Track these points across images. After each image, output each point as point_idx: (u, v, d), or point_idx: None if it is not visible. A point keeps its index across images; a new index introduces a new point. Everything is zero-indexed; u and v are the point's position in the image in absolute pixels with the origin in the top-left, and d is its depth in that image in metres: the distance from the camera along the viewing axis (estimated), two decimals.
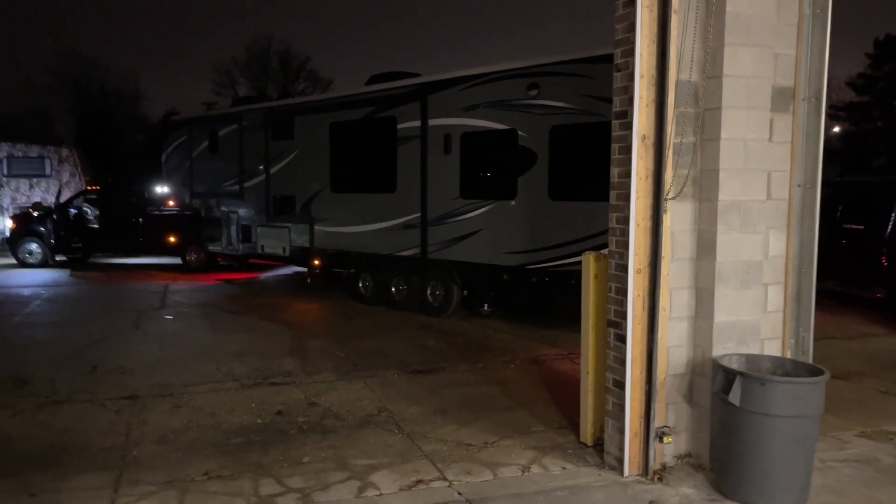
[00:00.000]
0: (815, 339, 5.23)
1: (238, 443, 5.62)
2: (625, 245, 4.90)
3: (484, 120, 9.96)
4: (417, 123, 10.85)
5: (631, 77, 4.78)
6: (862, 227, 10.10)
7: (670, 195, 4.81)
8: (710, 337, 4.88)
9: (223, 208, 15.15)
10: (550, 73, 9.15)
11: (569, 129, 8.98)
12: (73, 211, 17.72)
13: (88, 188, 19.37)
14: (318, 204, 12.69)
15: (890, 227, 9.84)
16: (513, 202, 9.65)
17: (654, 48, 4.71)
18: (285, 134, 13.39)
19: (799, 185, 5.10)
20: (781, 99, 4.93)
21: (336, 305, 12.09)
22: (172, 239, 16.80)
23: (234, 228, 14.87)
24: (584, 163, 8.95)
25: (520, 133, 9.50)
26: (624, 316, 4.92)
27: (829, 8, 4.90)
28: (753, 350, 4.95)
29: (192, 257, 16.79)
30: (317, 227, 12.77)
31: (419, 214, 10.89)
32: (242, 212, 14.62)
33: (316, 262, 13.02)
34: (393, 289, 11.64)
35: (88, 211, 18.09)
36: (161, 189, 18.26)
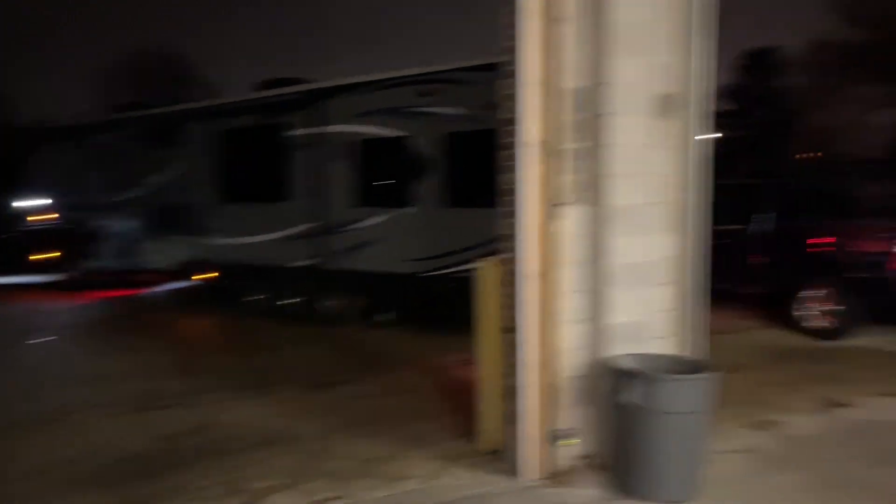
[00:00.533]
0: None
1: (121, 473, 5.24)
2: (519, 251, 4.92)
3: (381, 127, 9.86)
4: (312, 130, 10.61)
5: (519, 84, 4.82)
6: (740, 226, 10.69)
7: (562, 200, 4.87)
8: (607, 338, 4.97)
9: (103, 221, 14.27)
10: (445, 81, 9.17)
11: (464, 137, 9.03)
12: None
13: None
14: (209, 215, 12.18)
15: (765, 225, 10.47)
16: (411, 210, 9.59)
17: (541, 55, 4.77)
18: (172, 141, 12.78)
19: (688, 188, 5.30)
20: (668, 105, 5.10)
21: (229, 320, 11.62)
22: (46, 255, 15.67)
23: (115, 242, 14.03)
24: (481, 170, 8.94)
25: (416, 140, 9.47)
26: (520, 322, 4.93)
27: (712, 16, 5.12)
28: (649, 349, 5.09)
29: (69, 275, 15.70)
30: (207, 239, 12.25)
31: (316, 224, 10.64)
32: (125, 224, 13.81)
33: (206, 276, 12.47)
34: (289, 301, 11.31)
35: None
36: (31, 202, 17.00)
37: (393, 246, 9.81)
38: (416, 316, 11.16)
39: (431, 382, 7.65)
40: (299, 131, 10.80)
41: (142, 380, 7.86)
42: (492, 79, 8.97)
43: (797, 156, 38.10)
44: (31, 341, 10.22)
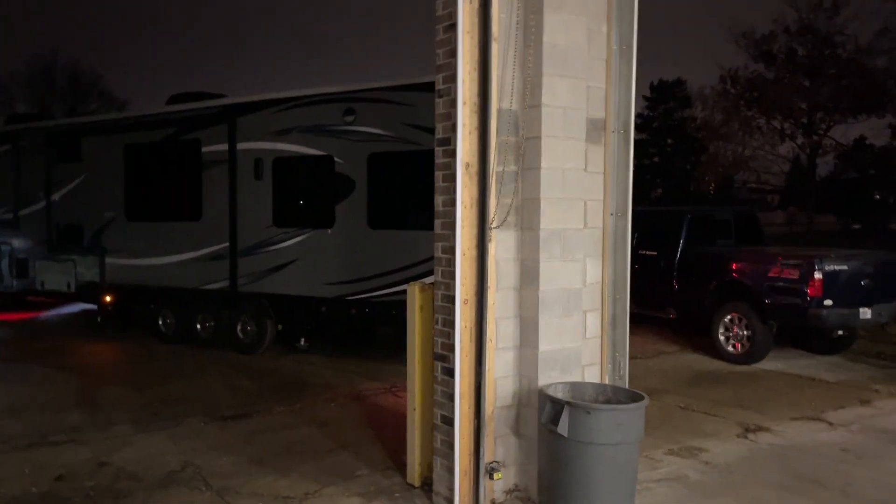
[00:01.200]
0: None
1: None
2: (451, 275, 4.75)
3: (298, 145, 9.52)
4: (225, 147, 10.15)
5: (453, 104, 4.68)
6: (655, 252, 10.92)
7: (494, 224, 4.74)
8: (536, 366, 4.84)
9: None
10: (368, 100, 8.95)
11: (387, 157, 8.82)
12: None
13: None
14: (111, 233, 11.44)
15: (678, 252, 10.72)
16: (330, 231, 9.27)
17: (475, 75, 4.64)
18: (72, 156, 11.98)
19: (612, 214, 5.27)
20: (594, 130, 5.08)
21: (133, 346, 10.89)
22: None
23: (6, 262, 12.97)
24: (404, 191, 8.83)
25: (336, 160, 9.18)
26: (452, 349, 4.74)
27: (633, 44, 5.14)
28: (576, 377, 4.99)
29: None
30: (109, 260, 11.49)
31: (228, 244, 10.15)
32: (18, 243, 12.81)
33: (108, 299, 11.69)
34: (199, 325, 10.72)
35: None
36: None
37: (311, 268, 9.44)
38: (335, 341, 10.79)
39: (352, 411, 7.33)
40: (212, 147, 10.31)
41: (33, 412, 7.20)
42: (416, 100, 8.90)
43: (708, 183, 39.98)
44: None
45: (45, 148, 12.36)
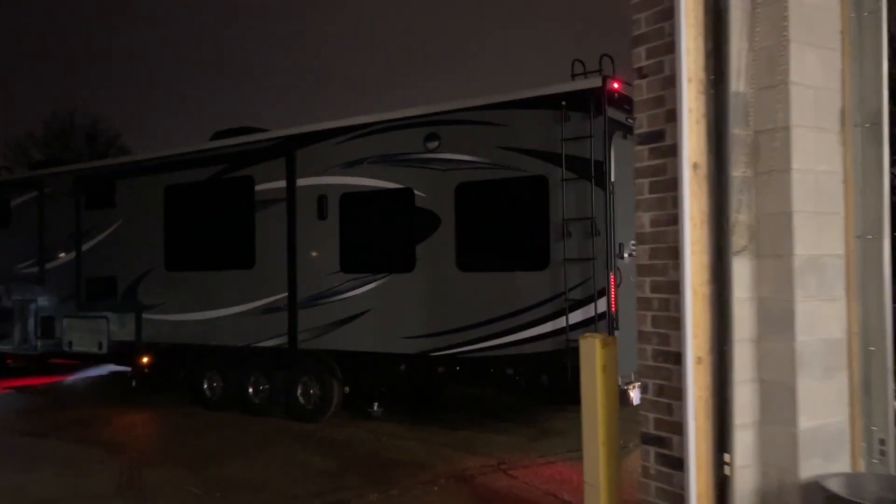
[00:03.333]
0: None
1: None
2: (670, 323, 3.37)
3: (370, 178, 8.27)
4: (282, 184, 8.91)
5: (667, 83, 3.38)
6: None
7: (736, 248, 3.37)
8: (793, 450, 3.39)
9: (16, 296, 11.95)
10: (454, 122, 7.72)
11: (479, 187, 7.53)
12: None
13: None
14: (149, 286, 10.16)
15: None
16: (410, 275, 7.93)
17: (701, 42, 3.34)
18: (104, 201, 10.79)
19: (858, 237, 3.89)
20: (850, 120, 3.74)
21: (174, 415, 9.48)
22: None
23: (31, 321, 11.71)
24: (501, 226, 7.52)
25: (417, 193, 7.90)
26: (676, 428, 3.33)
27: (883, 9, 3.84)
28: (842, 464, 3.54)
29: None
30: (146, 316, 10.17)
31: (286, 294, 8.82)
32: (43, 299, 11.56)
33: (144, 360, 10.34)
34: (251, 389, 9.30)
35: None
36: None
37: (387, 320, 8.07)
38: (416, 406, 9.32)
39: (462, 499, 5.85)
40: (267, 185, 9.08)
41: None
42: (512, 119, 7.66)
43: None
44: None
45: (74, 193, 11.19)
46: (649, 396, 3.52)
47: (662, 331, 3.45)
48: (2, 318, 12.22)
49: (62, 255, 11.29)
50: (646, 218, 3.55)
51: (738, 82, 3.47)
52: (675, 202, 3.35)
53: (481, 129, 7.51)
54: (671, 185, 3.38)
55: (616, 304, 6.78)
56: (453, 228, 7.65)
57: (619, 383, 6.79)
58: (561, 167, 6.93)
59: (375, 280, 8.19)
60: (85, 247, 10.97)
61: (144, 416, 9.62)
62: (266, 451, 7.51)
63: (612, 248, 6.79)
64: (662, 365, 3.45)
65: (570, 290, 6.86)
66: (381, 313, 8.14)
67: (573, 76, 7.18)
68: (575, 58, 7.25)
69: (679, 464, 3.33)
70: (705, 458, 3.28)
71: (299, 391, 8.88)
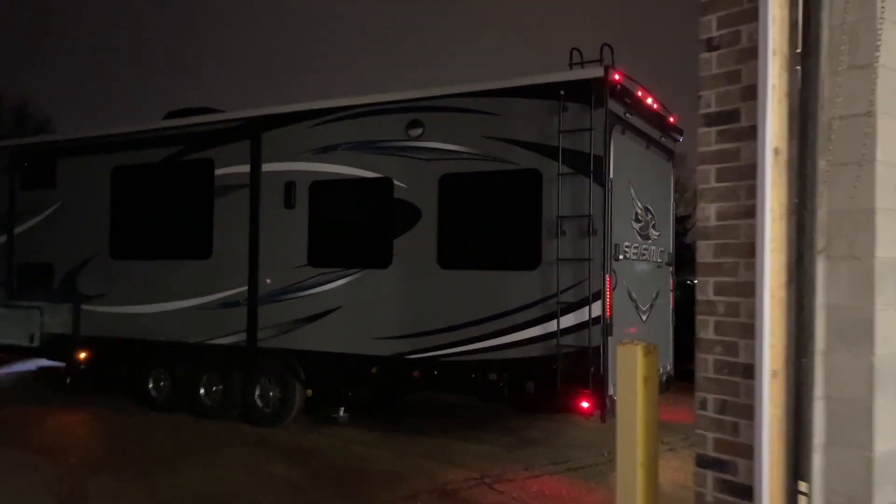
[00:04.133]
0: None
1: None
2: (741, 330, 2.96)
3: (344, 165, 7.68)
4: (245, 168, 8.23)
5: (747, 56, 2.96)
6: None
7: (817, 249, 2.97)
8: (868, 477, 3.02)
9: None
10: (439, 109, 7.20)
11: (466, 179, 7.03)
12: None
13: None
14: (90, 275, 9.28)
15: None
16: (386, 271, 7.37)
17: (787, 11, 2.93)
18: (42, 181, 9.85)
19: None
20: None
21: (115, 417, 8.66)
22: None
23: None
24: (489, 221, 7.04)
25: (396, 183, 7.35)
26: (743, 450, 2.92)
27: None
28: None
29: None
30: (86, 308, 9.30)
31: (246, 288, 8.14)
32: None
33: (82, 355, 9.44)
34: (203, 390, 8.56)
35: None
36: None
37: (359, 319, 7.49)
38: (380, 411, 8.74)
39: None
40: (228, 169, 8.38)
41: None
42: (504, 108, 7.17)
43: None
44: None
45: (9, 171, 10.20)
46: (708, 413, 3.09)
47: (729, 339, 3.03)
48: None
49: None
50: (711, 210, 3.12)
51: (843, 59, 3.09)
52: (750, 192, 2.94)
53: (470, 118, 7.02)
54: (745, 173, 2.97)
55: (612, 308, 6.39)
56: (435, 222, 7.13)
57: (608, 393, 6.44)
58: (557, 161, 6.50)
59: (346, 275, 7.60)
60: (18, 230, 10.00)
61: (81, 417, 8.76)
62: (222, 458, 6.84)
63: (609, 248, 6.40)
64: (727, 378, 3.03)
65: (563, 291, 6.44)
66: (352, 311, 7.55)
67: (571, 65, 6.77)
68: (571, 47, 6.85)
69: (746, 492, 2.92)
70: (778, 485, 2.87)
71: (257, 393, 8.19)
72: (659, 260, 7.79)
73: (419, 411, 8.99)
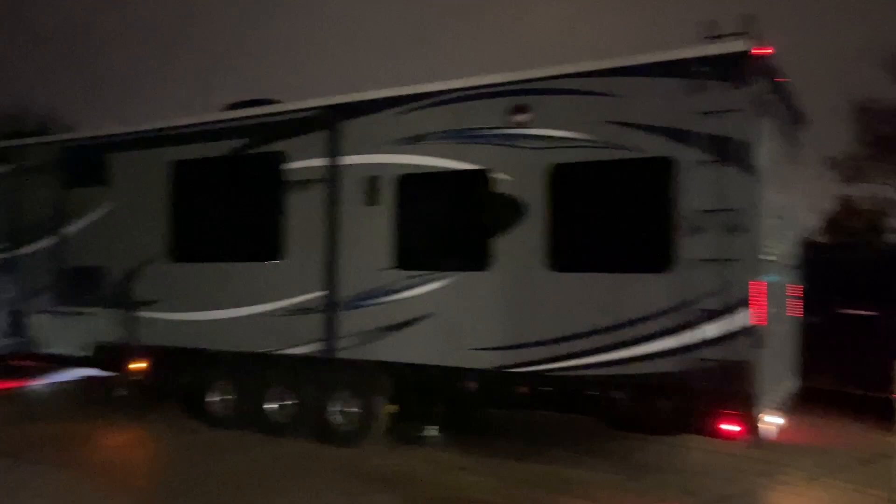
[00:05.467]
0: None
1: None
2: None
3: (435, 157, 6.92)
4: (322, 162, 7.50)
5: None
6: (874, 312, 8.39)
7: None
8: None
9: None
10: (549, 91, 6.42)
11: (581, 170, 6.24)
12: None
13: None
14: (147, 279, 8.58)
15: None
16: (485, 275, 6.58)
17: None
18: (93, 178, 9.18)
19: None
20: None
21: (178, 433, 7.94)
22: None
23: None
24: (609, 217, 6.24)
25: (496, 175, 6.57)
26: None
27: None
28: None
29: None
30: (142, 314, 8.58)
31: (323, 293, 7.39)
32: (12, 290, 9.85)
33: (137, 366, 8.74)
34: (271, 405, 7.80)
35: None
36: None
37: (452, 327, 6.70)
38: (480, 431, 7.91)
39: None
40: (299, 163, 7.65)
41: None
42: (627, 88, 6.30)
43: None
44: None
45: (57, 168, 9.55)
46: None
47: None
48: None
49: (39, 240, 9.61)
50: None
51: None
52: None
53: (586, 101, 6.23)
54: None
55: (764, 317, 5.54)
56: (544, 219, 6.33)
57: (756, 414, 5.59)
58: (694, 147, 5.69)
59: (438, 279, 6.82)
60: (69, 230, 9.33)
61: (139, 434, 8.07)
62: (305, 485, 6.07)
63: (758, 247, 5.57)
64: None
65: (702, 297, 5.61)
66: (445, 319, 6.77)
67: (708, 38, 5.95)
68: (709, 18, 6.02)
69: None
70: None
71: (335, 408, 7.42)
72: (789, 262, 6.95)
73: (500, 429, 8.14)
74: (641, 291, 5.87)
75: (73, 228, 9.34)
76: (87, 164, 9.33)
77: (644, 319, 5.83)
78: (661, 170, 5.84)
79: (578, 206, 6.34)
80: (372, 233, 7.18)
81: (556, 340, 6.20)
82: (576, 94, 6.29)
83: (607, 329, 5.98)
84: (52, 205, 9.49)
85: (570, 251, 6.30)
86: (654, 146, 5.89)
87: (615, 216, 6.19)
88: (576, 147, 6.23)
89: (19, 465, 6.57)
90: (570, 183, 6.30)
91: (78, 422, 8.46)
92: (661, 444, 7.23)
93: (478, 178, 6.68)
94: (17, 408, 9.51)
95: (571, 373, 6.14)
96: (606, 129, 6.10)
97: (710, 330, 5.59)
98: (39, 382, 11.27)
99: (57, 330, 9.35)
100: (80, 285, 9.22)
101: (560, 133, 6.31)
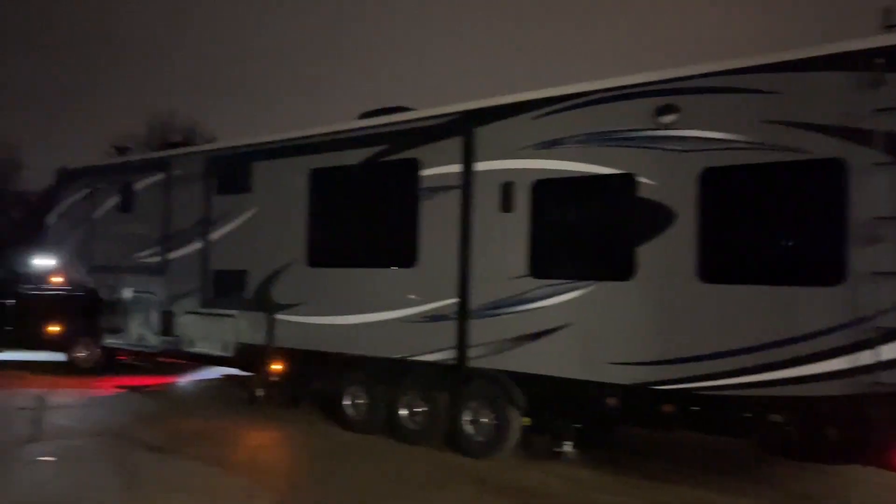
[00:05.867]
0: None
1: None
2: None
3: (574, 161, 6.67)
4: (456, 168, 7.42)
5: None
6: None
7: None
8: None
9: (135, 288, 10.95)
10: (699, 90, 6.02)
11: (736, 173, 5.81)
12: None
13: None
14: (285, 283, 8.84)
15: None
16: (628, 284, 6.25)
17: None
18: (238, 186, 9.60)
19: None
20: None
21: (310, 436, 8.11)
22: (55, 328, 12.27)
23: (149, 315, 10.66)
24: (769, 224, 5.77)
25: (642, 179, 6.24)
26: None
27: None
28: None
29: (82, 354, 12.23)
30: (280, 317, 8.85)
31: (455, 300, 7.30)
32: (163, 293, 10.48)
33: (275, 367, 9.02)
34: (404, 411, 7.81)
35: None
36: (45, 262, 13.66)
37: (591, 339, 6.42)
38: (618, 449, 7.58)
39: None
40: (433, 170, 7.62)
41: None
42: (789, 84, 5.72)
43: None
44: (44, 458, 6.71)
45: (204, 177, 10.06)
46: None
47: None
48: (116, 311, 11.27)
49: (187, 244, 10.17)
50: None
51: None
52: None
53: (741, 99, 5.79)
54: None
55: None
56: (695, 226, 5.92)
57: None
58: (868, 147, 5.14)
59: (576, 288, 6.55)
60: (214, 236, 9.81)
61: (276, 435, 8.29)
62: (441, 497, 5.98)
63: None
64: None
65: (879, 314, 5.04)
66: (583, 331, 6.49)
67: (884, 28, 5.37)
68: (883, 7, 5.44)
69: None
70: None
71: (467, 418, 7.31)
72: None
73: (638, 448, 7.73)
74: (808, 306, 5.35)
75: (218, 234, 9.79)
76: (231, 171, 9.77)
77: (810, 337, 5.31)
78: (831, 172, 5.32)
79: (732, 213, 5.91)
80: (506, 240, 7.02)
81: (708, 357, 5.77)
82: (730, 93, 5.85)
83: (767, 346, 5.50)
84: (201, 211, 10.01)
85: (724, 261, 5.88)
86: (823, 147, 5.37)
87: (777, 224, 5.71)
88: (730, 149, 5.79)
89: (168, 459, 6.89)
90: (722, 187, 5.88)
91: (219, 419, 8.83)
92: (821, 473, 6.60)
93: (620, 183, 6.37)
94: (164, 403, 10.08)
95: (724, 392, 5.70)
96: (765, 129, 5.63)
97: (889, 351, 5.00)
98: (183, 379, 11.96)
99: (202, 330, 9.84)
100: (223, 288, 9.65)
101: (712, 134, 5.89)
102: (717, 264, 5.86)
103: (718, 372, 5.71)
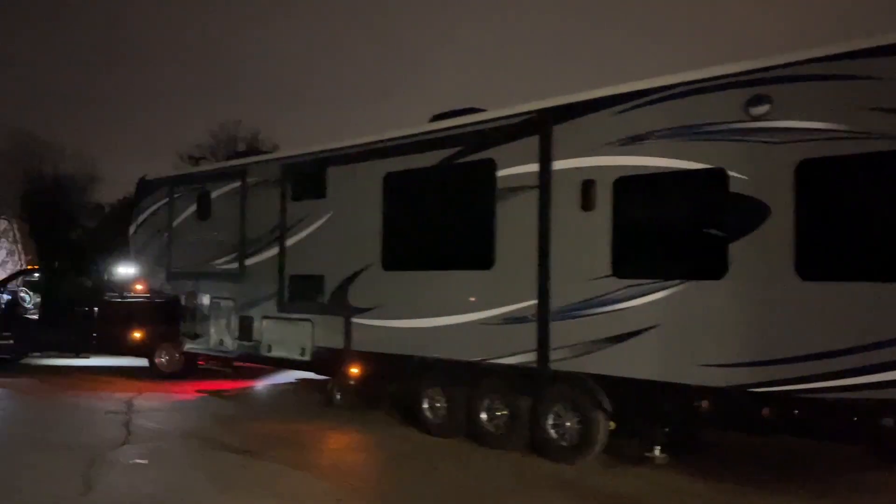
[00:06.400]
0: None
1: None
2: None
3: (658, 157, 6.46)
4: (534, 167, 7.30)
5: None
6: None
7: None
8: None
9: (213, 294, 11.19)
10: (793, 79, 5.75)
11: (836, 165, 5.51)
12: (4, 296, 13.49)
13: (29, 267, 15.20)
14: (361, 287, 8.87)
15: None
16: (720, 283, 6.01)
17: None
18: (312, 191, 9.70)
19: None
20: None
21: (389, 440, 8.09)
22: (138, 334, 12.73)
23: (228, 321, 10.87)
24: (876, 218, 5.45)
25: (732, 174, 5.99)
26: None
27: None
28: None
29: (164, 359, 12.64)
30: (356, 321, 8.89)
31: (535, 302, 7.17)
32: (242, 298, 10.67)
33: (352, 371, 9.07)
34: (484, 414, 7.72)
35: (26, 297, 13.87)
36: (127, 270, 14.15)
37: (681, 340, 6.21)
38: (710, 454, 7.33)
39: None
40: (510, 170, 7.51)
41: None
42: (887, 69, 5.56)
43: None
44: (137, 460, 6.90)
45: (279, 184, 10.21)
46: None
47: None
48: (196, 317, 11.54)
49: (264, 250, 10.33)
50: None
51: None
52: None
53: (839, 87, 5.50)
54: None
55: None
56: (792, 221, 5.64)
57: None
58: None
59: (664, 288, 6.34)
60: (289, 242, 9.92)
61: (356, 438, 8.32)
62: (528, 502, 5.84)
63: None
64: None
65: None
66: (671, 332, 6.28)
67: None
68: None
69: None
70: None
71: (550, 422, 7.17)
72: None
73: (731, 453, 7.43)
74: None
75: (294, 239, 9.91)
76: (305, 177, 9.89)
77: None
78: None
79: (834, 206, 5.60)
80: (587, 239, 6.85)
81: (809, 357, 5.49)
82: (827, 80, 5.56)
83: (874, 346, 5.20)
84: (277, 217, 10.15)
85: (825, 258, 5.58)
86: None
87: (881, 217, 5.38)
88: (827, 139, 5.51)
89: (253, 462, 6.96)
90: (821, 180, 5.59)
91: (300, 422, 8.92)
92: None
93: (709, 178, 6.14)
94: (244, 407, 10.27)
95: (829, 395, 5.40)
96: (865, 117, 5.33)
97: None
98: (261, 384, 12.17)
99: (281, 335, 9.96)
100: (300, 293, 9.76)
101: (809, 124, 5.61)
102: (818, 261, 5.56)
103: (821, 373, 5.42)
